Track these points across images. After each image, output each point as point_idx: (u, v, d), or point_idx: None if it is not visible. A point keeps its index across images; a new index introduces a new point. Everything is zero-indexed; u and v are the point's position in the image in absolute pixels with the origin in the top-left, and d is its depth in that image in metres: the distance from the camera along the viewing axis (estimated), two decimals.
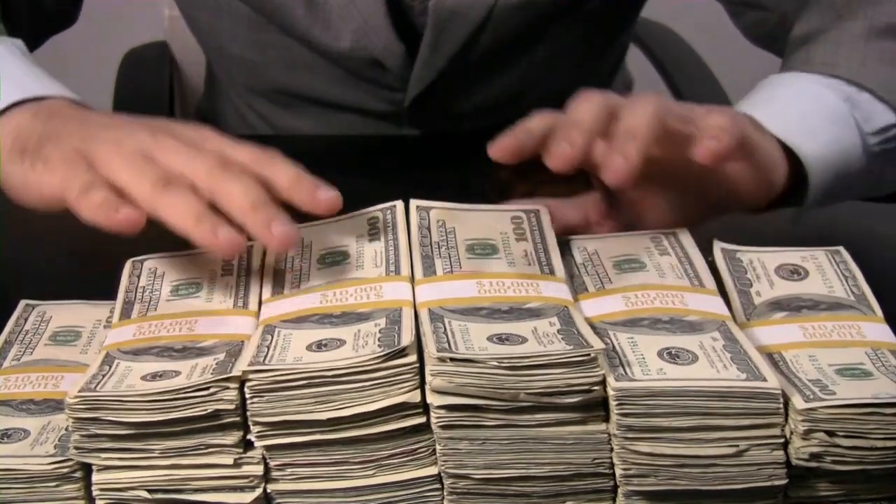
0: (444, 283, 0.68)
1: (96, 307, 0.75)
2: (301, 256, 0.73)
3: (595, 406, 0.61)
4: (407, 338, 0.62)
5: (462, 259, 0.70)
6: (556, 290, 0.68)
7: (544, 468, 0.62)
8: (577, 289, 0.71)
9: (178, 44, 1.56)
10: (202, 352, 0.66)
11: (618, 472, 0.62)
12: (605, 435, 0.62)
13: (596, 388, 0.60)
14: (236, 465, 0.62)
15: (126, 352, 0.67)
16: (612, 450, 0.62)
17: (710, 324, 0.66)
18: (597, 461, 0.62)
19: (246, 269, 0.73)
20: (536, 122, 0.72)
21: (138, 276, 0.74)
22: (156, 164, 0.71)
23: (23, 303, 0.76)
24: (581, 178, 0.78)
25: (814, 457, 0.61)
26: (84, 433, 0.61)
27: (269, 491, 0.63)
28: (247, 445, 0.62)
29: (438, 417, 0.61)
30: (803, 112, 0.84)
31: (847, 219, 1.00)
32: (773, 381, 0.60)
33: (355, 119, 1.13)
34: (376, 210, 0.75)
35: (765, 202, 0.82)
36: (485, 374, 0.60)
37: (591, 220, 0.78)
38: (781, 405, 0.60)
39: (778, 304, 0.70)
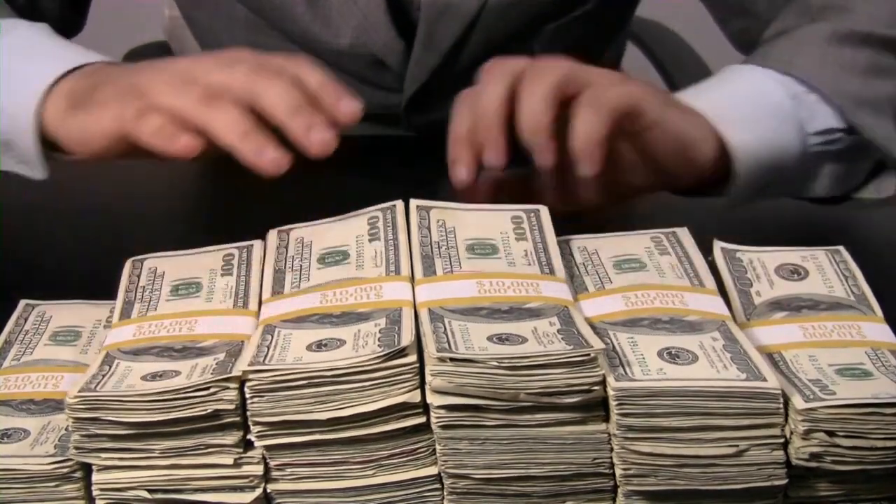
0: (444, 283, 0.68)
1: (96, 307, 0.75)
2: (301, 256, 0.73)
3: (595, 406, 0.61)
4: (407, 338, 0.62)
5: (462, 259, 0.70)
6: (556, 290, 0.68)
7: (544, 468, 0.62)
8: (577, 289, 0.70)
9: (178, 44, 1.56)
10: (202, 352, 0.66)
11: (618, 472, 0.62)
12: (605, 435, 0.62)
13: (596, 388, 0.60)
14: (236, 465, 0.62)
15: (126, 352, 0.67)
16: (612, 450, 0.62)
17: (710, 324, 0.66)
18: (597, 461, 0.62)
19: (246, 269, 0.73)
20: (460, 135, 0.77)
21: (138, 276, 0.74)
22: (197, 82, 0.74)
23: (23, 303, 0.76)
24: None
25: (814, 457, 0.61)
26: (84, 433, 0.61)
27: (269, 491, 0.63)
28: (247, 445, 0.62)
29: (438, 417, 0.61)
30: (744, 103, 0.85)
31: (847, 219, 1.00)
32: (772, 381, 0.60)
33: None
34: (376, 210, 0.75)
35: (692, 180, 0.84)
36: (485, 374, 0.60)
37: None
38: (781, 405, 0.60)
39: (778, 304, 0.70)
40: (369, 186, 0.92)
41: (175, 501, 0.63)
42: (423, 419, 0.62)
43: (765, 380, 0.60)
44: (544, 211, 0.75)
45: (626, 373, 0.61)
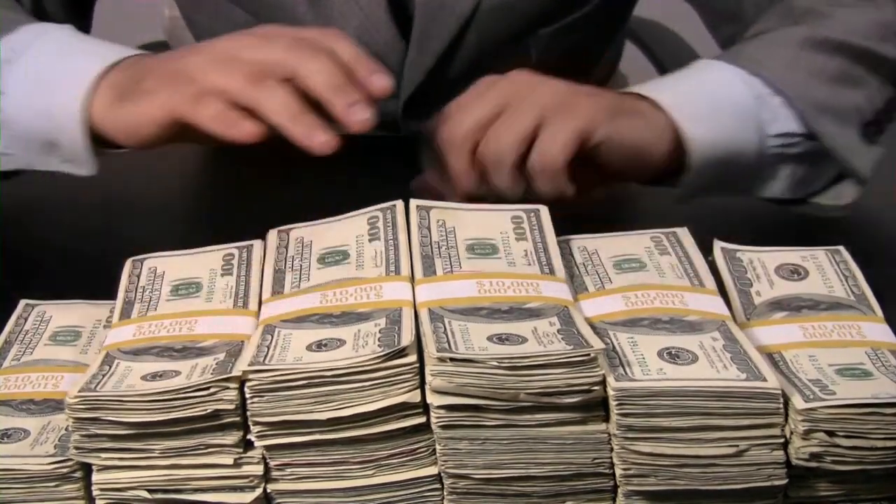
0: (444, 283, 0.68)
1: (96, 307, 0.75)
2: (301, 256, 0.73)
3: (595, 406, 0.61)
4: (407, 338, 0.62)
5: (462, 259, 0.70)
6: (556, 290, 0.68)
7: (544, 468, 0.62)
8: (577, 289, 0.70)
9: (178, 44, 1.56)
10: (202, 352, 0.66)
11: (618, 472, 0.62)
12: (605, 435, 0.62)
13: (596, 388, 0.60)
14: (236, 465, 0.62)
15: (126, 352, 0.67)
16: (612, 450, 0.62)
17: (710, 324, 0.66)
18: (597, 461, 0.62)
19: (246, 269, 0.73)
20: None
21: (138, 276, 0.74)
22: (241, 60, 0.77)
23: (23, 303, 0.76)
24: None
25: (814, 457, 0.61)
26: (84, 433, 0.61)
27: (269, 491, 0.63)
28: (247, 445, 0.62)
29: (438, 417, 0.61)
30: (707, 98, 0.87)
31: (847, 219, 1.00)
32: (772, 381, 0.60)
33: None
34: (376, 210, 0.75)
35: (649, 177, 0.86)
36: (485, 374, 0.60)
37: None
38: (781, 405, 0.60)
39: (778, 304, 0.70)
40: (369, 186, 0.92)
41: (175, 501, 0.63)
42: (423, 419, 0.62)
43: (765, 380, 0.60)
44: (544, 211, 0.75)
45: (626, 373, 0.61)
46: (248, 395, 0.61)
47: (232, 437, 0.62)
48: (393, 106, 1.11)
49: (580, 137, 0.79)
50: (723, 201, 0.95)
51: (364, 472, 0.63)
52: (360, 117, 0.75)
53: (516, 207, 0.76)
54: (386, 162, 1.07)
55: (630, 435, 0.61)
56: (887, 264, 0.85)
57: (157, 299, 0.71)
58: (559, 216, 0.75)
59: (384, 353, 0.61)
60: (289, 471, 0.63)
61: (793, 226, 0.97)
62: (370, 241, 0.72)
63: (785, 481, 0.61)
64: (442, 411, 0.61)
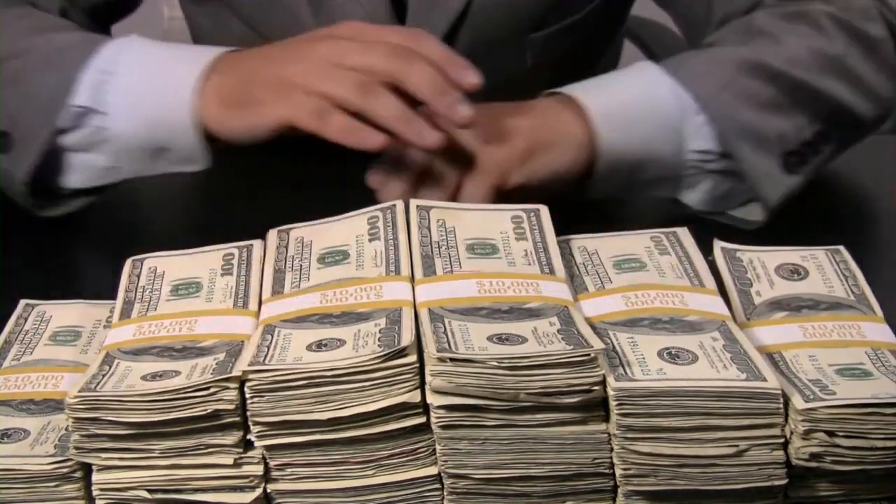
0: (444, 282, 0.68)
1: (96, 307, 0.75)
2: (301, 256, 0.73)
3: (595, 406, 0.61)
4: (407, 338, 0.62)
5: (462, 259, 0.70)
6: (556, 290, 0.68)
7: (544, 468, 0.62)
8: (577, 289, 0.70)
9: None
10: (202, 352, 0.66)
11: (618, 472, 0.62)
12: (605, 435, 0.62)
13: (596, 388, 0.60)
14: (236, 465, 0.62)
15: (126, 352, 0.67)
16: (612, 450, 0.62)
17: (710, 324, 0.66)
18: (597, 461, 0.62)
19: (246, 269, 0.73)
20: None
21: (138, 276, 0.74)
22: (345, 68, 0.82)
23: (23, 303, 0.76)
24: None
25: (814, 457, 0.61)
26: (84, 433, 0.61)
27: (269, 491, 0.63)
28: (247, 445, 0.62)
29: (438, 417, 0.61)
30: (632, 105, 0.91)
31: (847, 219, 1.00)
32: (772, 381, 0.60)
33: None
34: (376, 210, 0.75)
35: (567, 187, 0.90)
36: (485, 374, 0.60)
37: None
38: (781, 405, 0.60)
39: (778, 304, 0.70)
40: (369, 186, 0.92)
41: (175, 501, 0.63)
42: (423, 419, 0.62)
43: (765, 380, 0.60)
44: (544, 211, 0.75)
45: (626, 373, 0.61)
46: (248, 395, 0.61)
47: (232, 437, 0.62)
48: None
49: (495, 190, 0.85)
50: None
51: (364, 472, 0.63)
52: (462, 114, 0.82)
53: (516, 207, 0.76)
54: None
55: (630, 435, 0.61)
56: (887, 264, 0.85)
57: (157, 299, 0.71)
58: (559, 216, 0.75)
59: (384, 353, 0.61)
60: (289, 471, 0.63)
61: (793, 226, 0.97)
62: (370, 240, 0.72)
63: (785, 481, 0.61)
64: (442, 411, 0.61)
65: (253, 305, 0.70)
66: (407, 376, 0.61)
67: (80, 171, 0.93)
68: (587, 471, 0.62)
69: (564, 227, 0.75)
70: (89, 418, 0.61)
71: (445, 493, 0.63)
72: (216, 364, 0.64)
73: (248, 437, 0.62)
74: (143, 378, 0.63)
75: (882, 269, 0.80)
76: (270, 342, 0.64)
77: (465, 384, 0.60)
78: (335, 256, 0.72)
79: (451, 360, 0.60)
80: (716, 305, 0.68)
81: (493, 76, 0.95)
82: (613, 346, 0.64)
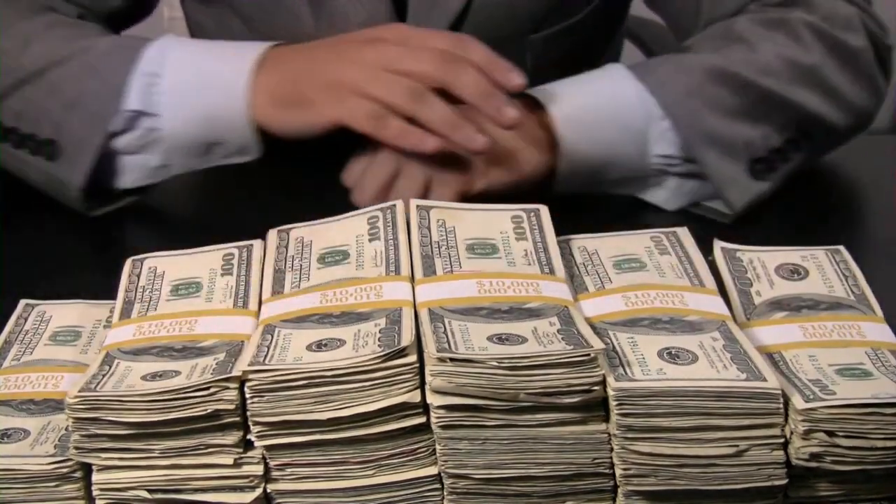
0: (444, 282, 0.68)
1: (96, 307, 0.75)
2: (301, 256, 0.73)
3: (595, 406, 0.61)
4: (407, 338, 0.62)
5: (462, 259, 0.70)
6: (556, 290, 0.68)
7: (544, 468, 0.62)
8: (577, 289, 0.70)
9: None
10: (202, 352, 0.66)
11: (618, 472, 0.62)
12: (605, 435, 0.62)
13: (596, 388, 0.60)
14: (236, 465, 0.62)
15: (126, 352, 0.67)
16: (611, 450, 0.62)
17: (710, 324, 0.66)
18: (597, 461, 0.62)
19: (246, 269, 0.73)
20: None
21: (138, 276, 0.74)
22: (397, 74, 0.86)
23: (23, 303, 0.76)
24: None
25: (814, 457, 0.61)
26: (84, 433, 0.61)
27: (269, 491, 0.63)
28: (247, 445, 0.62)
29: (438, 417, 0.61)
30: (598, 109, 0.93)
31: (847, 219, 1.00)
32: (772, 381, 0.60)
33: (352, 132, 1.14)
34: (376, 210, 0.75)
35: (531, 188, 0.91)
36: (485, 374, 0.60)
37: None
38: (781, 405, 0.60)
39: (778, 304, 0.70)
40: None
41: (175, 501, 0.63)
42: (423, 419, 0.62)
43: (765, 380, 0.60)
44: (544, 211, 0.75)
45: (626, 373, 0.61)
46: (248, 395, 0.61)
47: (232, 437, 0.62)
48: None
49: (460, 195, 0.88)
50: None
51: (364, 472, 0.63)
52: (509, 115, 0.86)
53: (516, 207, 0.76)
54: None
55: (630, 435, 0.61)
56: (887, 264, 0.85)
57: (157, 299, 0.71)
58: (559, 216, 0.75)
59: (384, 353, 0.61)
60: (289, 471, 0.63)
61: (792, 225, 0.97)
62: (370, 240, 0.72)
63: (785, 481, 0.61)
64: (442, 411, 0.61)
65: (253, 305, 0.70)
66: (407, 376, 0.61)
67: (133, 172, 0.95)
68: (587, 471, 0.62)
69: (564, 227, 0.76)
70: (89, 418, 0.61)
71: (445, 493, 0.63)
72: (216, 364, 0.64)
73: (248, 437, 0.62)
74: (143, 378, 0.63)
75: (882, 269, 0.80)
76: (270, 342, 0.64)
77: (465, 384, 0.60)
78: (335, 256, 0.72)
79: (451, 360, 0.60)
80: (716, 305, 0.68)
81: None
82: (613, 346, 0.64)
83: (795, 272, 0.73)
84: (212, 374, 0.62)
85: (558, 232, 0.74)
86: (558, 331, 0.63)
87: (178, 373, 0.63)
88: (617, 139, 0.93)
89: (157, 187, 0.97)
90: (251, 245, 0.75)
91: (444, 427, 0.61)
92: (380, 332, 0.63)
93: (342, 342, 0.63)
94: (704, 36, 1.00)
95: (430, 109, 0.86)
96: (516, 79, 0.87)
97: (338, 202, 0.85)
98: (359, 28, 1.01)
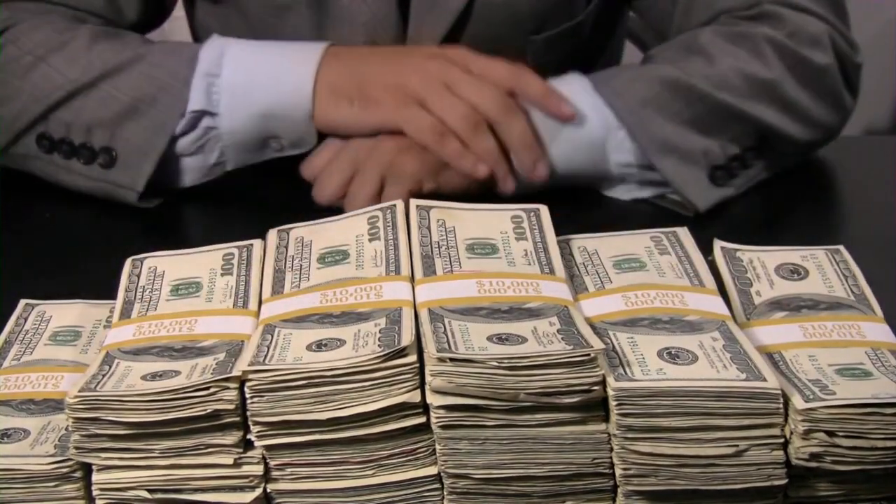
0: (444, 282, 0.68)
1: (96, 307, 0.75)
2: (301, 256, 0.73)
3: (595, 406, 0.61)
4: (407, 338, 0.62)
5: (462, 259, 0.70)
6: (556, 290, 0.68)
7: (544, 468, 0.62)
8: (577, 289, 0.70)
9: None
10: (202, 352, 0.66)
11: (617, 471, 0.62)
12: (605, 435, 0.62)
13: (596, 388, 0.60)
14: (236, 464, 0.62)
15: (126, 351, 0.67)
16: (611, 450, 0.62)
17: (710, 323, 0.66)
18: (596, 461, 0.62)
19: (246, 269, 0.73)
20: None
21: (138, 276, 0.74)
22: (460, 96, 0.92)
23: (23, 302, 0.76)
24: None
25: (814, 457, 0.61)
26: (84, 433, 0.61)
27: (268, 491, 0.63)
28: (247, 445, 0.62)
29: (438, 417, 0.61)
30: (555, 127, 0.95)
31: (847, 219, 1.00)
32: (772, 381, 0.60)
33: None
34: (376, 210, 0.75)
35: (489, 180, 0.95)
36: (485, 374, 0.60)
37: None
38: (781, 405, 0.60)
39: (778, 304, 0.70)
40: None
41: (175, 501, 0.63)
42: (423, 419, 0.62)
43: (765, 380, 0.60)
44: (544, 210, 0.75)
45: (625, 373, 0.61)
46: (248, 395, 0.61)
47: (232, 437, 0.62)
48: None
49: (413, 194, 0.90)
50: (723, 201, 0.95)
51: (364, 472, 0.63)
52: (540, 173, 0.93)
53: (516, 207, 0.76)
54: None
55: (630, 435, 0.61)
56: (887, 264, 0.85)
57: (157, 299, 0.71)
58: (559, 216, 0.75)
59: (384, 353, 0.61)
60: (289, 471, 0.63)
61: (792, 225, 0.97)
62: (370, 240, 0.72)
63: (785, 481, 0.61)
64: (442, 411, 0.61)
65: (253, 305, 0.70)
66: (407, 376, 0.61)
67: (190, 173, 0.98)
68: (587, 471, 0.62)
69: (564, 227, 0.76)
70: (89, 418, 0.61)
71: (445, 493, 0.63)
72: (216, 364, 0.64)
73: (248, 437, 0.62)
74: (143, 378, 0.63)
75: (882, 269, 0.79)
76: (270, 342, 0.64)
77: (465, 384, 0.60)
78: (335, 256, 0.72)
79: (451, 360, 0.60)
80: (716, 305, 0.68)
81: None
82: (613, 346, 0.64)
83: (795, 272, 0.73)
84: (212, 374, 0.62)
85: (558, 232, 0.74)
86: (558, 331, 0.63)
87: (177, 373, 0.63)
88: (573, 154, 0.95)
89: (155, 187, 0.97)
90: (251, 245, 0.75)
91: (444, 427, 0.61)
92: (380, 332, 0.63)
93: (342, 342, 0.63)
94: (668, 46, 1.02)
95: (483, 141, 0.91)
96: (567, 110, 0.93)
97: (337, 202, 0.85)
98: (363, 28, 1.02)
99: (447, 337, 0.62)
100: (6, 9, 1.00)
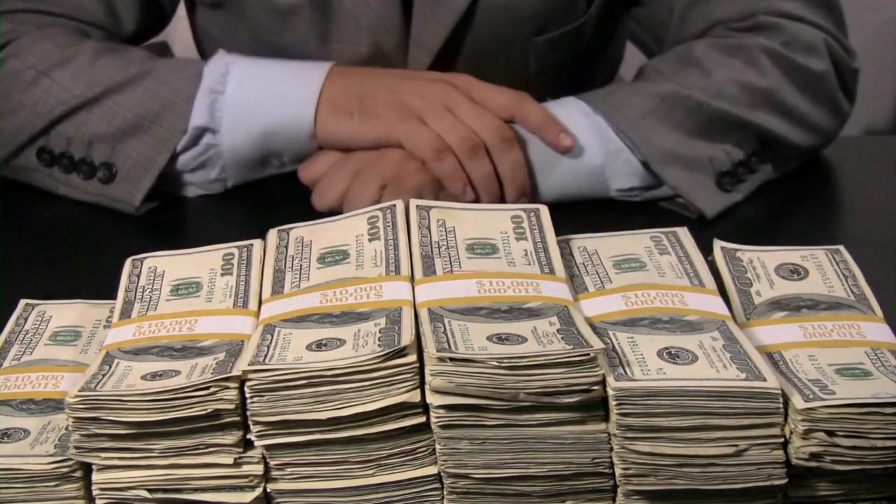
0: (444, 282, 0.68)
1: (96, 307, 0.75)
2: (301, 256, 0.73)
3: (595, 406, 0.61)
4: (407, 338, 0.62)
5: (462, 259, 0.70)
6: (556, 290, 0.68)
7: (544, 468, 0.62)
8: (577, 288, 0.71)
9: (178, 44, 1.56)
10: (202, 351, 0.66)
11: (617, 471, 0.62)
12: (605, 434, 0.62)
13: (595, 387, 0.60)
14: (236, 464, 0.62)
15: (126, 351, 0.67)
16: (611, 449, 0.62)
17: (710, 323, 0.66)
18: (596, 461, 0.62)
19: (246, 269, 0.73)
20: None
21: (138, 276, 0.74)
22: (457, 120, 0.92)
23: (23, 302, 0.76)
24: None
25: (813, 456, 0.61)
26: (84, 433, 0.61)
27: (268, 490, 0.63)
28: (247, 445, 0.62)
29: (438, 417, 0.61)
30: (555, 158, 0.95)
31: (847, 219, 1.00)
32: (772, 381, 0.60)
33: None
34: (376, 210, 0.75)
35: None
36: (484, 373, 0.60)
37: None
38: (781, 405, 0.60)
39: (778, 304, 0.70)
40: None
41: (175, 501, 0.63)
42: (422, 419, 0.62)
43: (764, 380, 0.60)
44: (544, 210, 0.75)
45: (625, 372, 0.61)
46: (248, 395, 0.61)
47: (232, 437, 0.62)
48: None
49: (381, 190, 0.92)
50: None
51: (364, 471, 0.63)
52: (526, 203, 0.88)
53: (516, 207, 0.76)
54: None
55: (630, 435, 0.61)
56: (887, 264, 0.85)
57: (157, 299, 0.71)
58: (559, 216, 0.75)
59: (384, 352, 0.61)
60: (289, 470, 0.63)
61: (792, 225, 0.97)
62: (370, 240, 0.72)
63: (785, 481, 0.61)
64: (442, 411, 0.61)
65: (253, 305, 0.70)
66: (406, 376, 0.61)
67: (190, 187, 0.98)
68: (587, 470, 0.62)
69: (564, 227, 0.76)
70: (89, 418, 0.61)
71: (445, 493, 0.63)
72: (216, 364, 0.64)
73: (248, 436, 0.62)
74: (143, 378, 0.63)
75: (882, 269, 0.79)
76: (270, 342, 0.64)
77: (465, 384, 0.60)
78: (335, 256, 0.72)
79: (451, 359, 0.60)
80: (715, 305, 0.68)
81: (498, 79, 0.96)
82: (613, 346, 0.64)
83: (795, 272, 0.73)
84: (212, 373, 0.62)
85: (558, 232, 0.74)
86: (558, 330, 0.63)
87: (177, 372, 0.63)
88: (573, 180, 0.96)
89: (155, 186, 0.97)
90: (251, 245, 0.75)
91: (443, 427, 0.61)
92: (380, 331, 0.63)
93: (342, 342, 0.63)
94: (662, 59, 1.02)
95: (480, 167, 0.92)
96: (566, 141, 0.93)
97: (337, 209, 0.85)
98: (366, 30, 1.02)
99: (447, 337, 0.62)
100: (7, 21, 1.00)
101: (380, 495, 0.63)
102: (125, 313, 0.71)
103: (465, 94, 0.94)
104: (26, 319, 0.75)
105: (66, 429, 0.63)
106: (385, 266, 0.70)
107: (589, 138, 0.95)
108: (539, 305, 0.66)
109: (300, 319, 0.66)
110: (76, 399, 0.61)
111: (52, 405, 0.66)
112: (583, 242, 0.76)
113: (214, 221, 0.97)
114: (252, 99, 0.95)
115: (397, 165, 0.92)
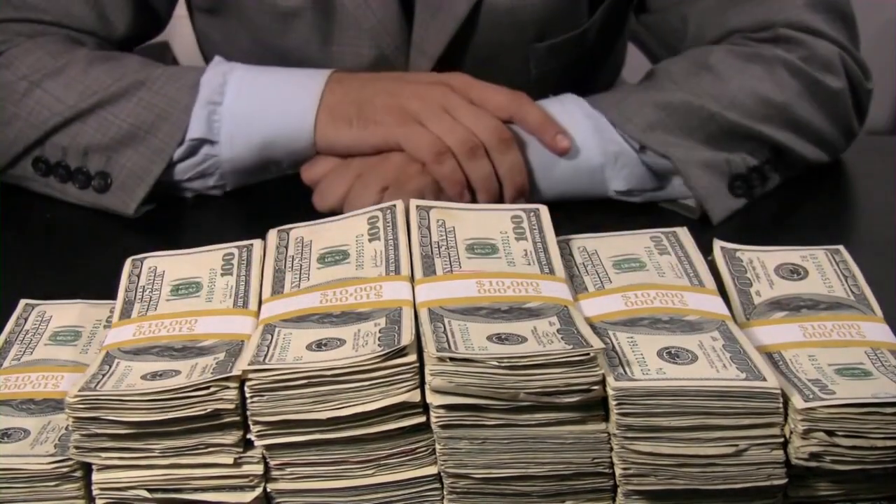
0: (444, 282, 0.68)
1: (96, 307, 0.76)
2: (301, 256, 0.73)
3: (594, 406, 0.61)
4: (407, 337, 0.62)
5: (462, 259, 0.70)
6: (556, 290, 0.68)
7: (544, 468, 0.62)
8: (577, 288, 0.71)
9: (178, 44, 1.56)
10: (202, 351, 0.66)
11: (617, 471, 0.62)
12: (605, 434, 0.62)
13: (595, 387, 0.60)
14: (236, 464, 0.62)
15: (126, 351, 0.67)
16: (611, 449, 0.62)
17: (710, 323, 0.66)
18: (596, 460, 0.62)
19: (246, 269, 0.73)
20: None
21: (138, 276, 0.74)
22: (456, 122, 0.92)
23: (23, 302, 0.76)
24: None
25: (813, 456, 0.61)
26: (84, 433, 0.61)
27: (268, 490, 0.63)
28: (247, 445, 0.62)
29: (438, 417, 0.61)
30: (554, 158, 0.95)
31: (847, 219, 1.00)
32: (772, 381, 0.60)
33: None
34: (376, 210, 0.75)
35: None
36: (484, 373, 0.60)
37: None
38: (781, 405, 0.60)
39: (778, 304, 0.70)
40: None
41: (175, 501, 0.63)
42: (422, 419, 0.62)
43: (764, 379, 0.60)
44: (544, 210, 0.75)
45: (625, 372, 0.61)
46: (248, 395, 0.61)
47: (232, 437, 0.62)
48: None
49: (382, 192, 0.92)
50: None
51: (364, 471, 0.63)
52: (523, 203, 0.87)
53: (516, 207, 0.76)
54: None
55: (630, 434, 0.61)
56: (887, 264, 0.85)
57: (157, 299, 0.71)
58: (559, 216, 0.75)
59: (384, 352, 0.61)
60: (289, 470, 0.63)
61: (792, 225, 0.97)
62: (370, 240, 0.72)
63: (785, 481, 0.61)
64: (442, 411, 0.61)
65: (253, 305, 0.70)
66: (406, 376, 0.61)
67: (188, 192, 0.98)
68: (587, 470, 0.62)
69: (564, 227, 0.76)
70: (89, 418, 0.61)
71: (445, 493, 0.63)
72: (216, 364, 0.64)
73: (248, 436, 0.62)
74: (143, 377, 0.63)
75: (882, 269, 0.80)
76: (270, 342, 0.64)
77: (465, 384, 0.60)
78: (335, 256, 0.72)
79: (451, 359, 0.60)
80: (715, 305, 0.68)
81: (498, 84, 0.96)
82: (613, 346, 0.64)
83: (795, 272, 0.73)
84: (212, 373, 0.62)
85: (558, 232, 0.74)
86: (558, 330, 0.63)
87: (177, 372, 0.63)
88: (572, 179, 0.96)
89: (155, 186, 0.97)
90: (251, 245, 0.75)
91: (443, 427, 0.61)
92: (380, 331, 0.63)
93: (342, 342, 0.63)
94: (675, 61, 1.01)
95: (479, 167, 0.92)
96: (563, 142, 0.94)
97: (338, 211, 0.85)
98: (368, 33, 1.02)
99: (447, 337, 0.62)
100: None
101: (380, 495, 0.63)
102: (125, 313, 0.71)
103: (464, 94, 0.94)
104: (26, 319, 0.75)
105: (66, 429, 0.63)
106: (385, 266, 0.70)
107: (588, 138, 0.95)
108: (539, 305, 0.66)
109: (300, 319, 0.66)
110: (76, 399, 0.61)
111: (52, 405, 0.66)
112: (583, 242, 0.76)
113: (214, 221, 0.97)
114: (250, 109, 0.95)
115: (399, 168, 0.92)
